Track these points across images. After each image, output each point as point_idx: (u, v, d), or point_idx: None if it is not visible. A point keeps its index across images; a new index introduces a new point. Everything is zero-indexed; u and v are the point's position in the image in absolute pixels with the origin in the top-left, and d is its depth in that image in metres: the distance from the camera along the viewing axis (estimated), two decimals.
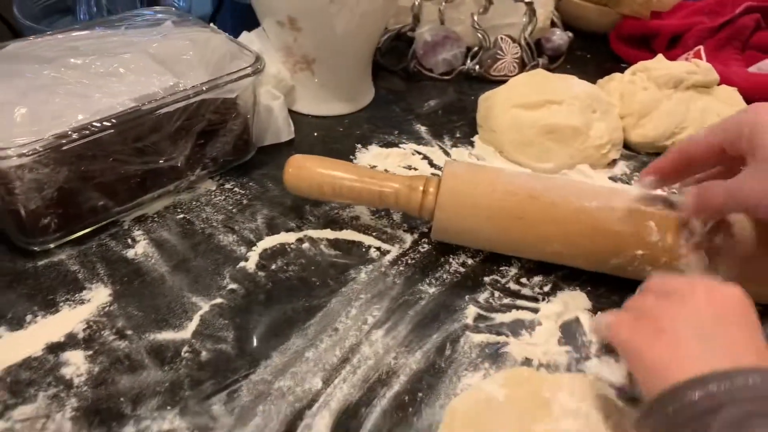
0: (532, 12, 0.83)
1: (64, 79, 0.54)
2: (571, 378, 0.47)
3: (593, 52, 0.92)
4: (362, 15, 0.67)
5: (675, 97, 0.72)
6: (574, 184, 0.56)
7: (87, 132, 0.50)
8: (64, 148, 0.50)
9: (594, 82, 0.76)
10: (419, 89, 0.83)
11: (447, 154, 0.70)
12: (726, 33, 0.86)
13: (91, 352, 0.47)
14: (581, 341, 0.51)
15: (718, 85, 0.75)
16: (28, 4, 0.76)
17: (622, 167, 0.71)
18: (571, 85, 0.72)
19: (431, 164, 0.68)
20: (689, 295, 0.40)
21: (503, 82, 0.75)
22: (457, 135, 0.74)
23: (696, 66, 0.74)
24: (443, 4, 0.83)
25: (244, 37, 0.72)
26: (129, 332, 0.49)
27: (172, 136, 0.57)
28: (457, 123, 0.76)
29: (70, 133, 0.50)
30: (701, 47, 0.84)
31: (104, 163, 0.54)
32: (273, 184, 0.64)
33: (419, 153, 0.70)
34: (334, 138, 0.72)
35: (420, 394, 0.46)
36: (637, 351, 0.39)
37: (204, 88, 0.57)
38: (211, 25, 0.68)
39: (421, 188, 0.55)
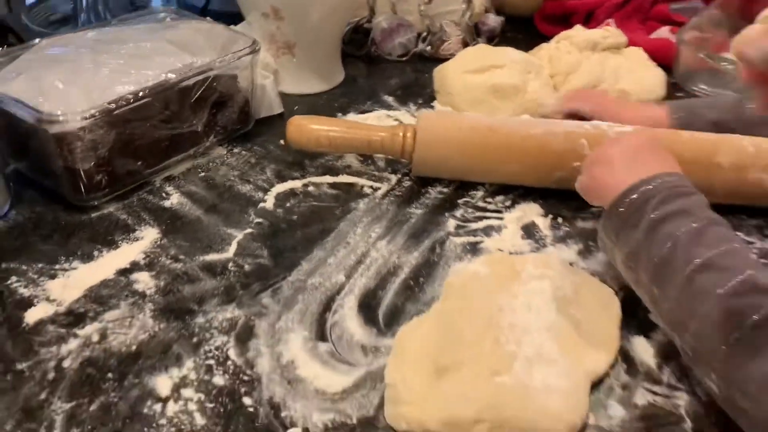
0: (468, 0, 0.99)
1: (103, 61, 0.65)
2: (534, 256, 0.61)
3: (522, 32, 1.08)
4: (334, 3, 0.81)
5: (593, 57, 0.89)
6: (521, 119, 0.71)
7: (131, 99, 0.62)
8: (115, 112, 0.61)
9: None
10: (381, 70, 0.96)
11: (413, 116, 0.84)
12: (630, 7, 1.03)
13: (154, 273, 0.58)
14: (538, 236, 0.65)
15: (627, 47, 0.92)
16: (35, 16, 0.86)
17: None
18: (509, 53, 0.87)
19: (402, 124, 0.82)
20: (617, 142, 0.58)
21: (441, 59, 0.90)
22: (419, 101, 0.87)
23: (608, 32, 0.90)
24: None
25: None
26: (182, 257, 0.60)
27: (192, 106, 0.69)
28: (418, 93, 0.90)
29: (118, 100, 0.61)
30: (611, 20, 1.01)
31: (143, 127, 0.65)
32: (273, 147, 0.77)
33: (390, 116, 0.84)
34: (316, 110, 0.84)
35: (421, 279, 0.59)
36: (594, 185, 0.58)
37: (216, 64, 0.69)
38: (207, 18, 0.80)
39: (401, 134, 0.69)
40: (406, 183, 0.72)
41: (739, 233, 0.66)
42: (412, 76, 0.95)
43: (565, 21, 1.06)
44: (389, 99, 0.88)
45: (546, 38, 1.03)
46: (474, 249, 0.63)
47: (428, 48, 0.98)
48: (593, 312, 0.55)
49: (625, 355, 0.52)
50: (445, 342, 0.51)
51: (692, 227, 0.49)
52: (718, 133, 0.68)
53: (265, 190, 0.69)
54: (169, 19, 0.78)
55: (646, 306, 0.52)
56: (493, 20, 1.03)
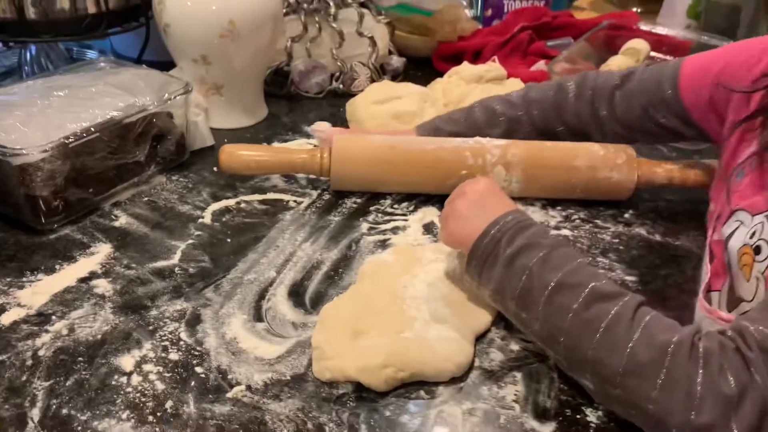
0: (373, 44, 1.14)
1: (54, 103, 0.76)
2: (433, 245, 0.74)
3: (422, 70, 1.23)
4: (254, 51, 0.94)
5: (479, 88, 1.05)
6: (417, 138, 0.85)
7: (83, 134, 0.72)
8: (70, 146, 0.71)
9: None
10: (300, 106, 1.09)
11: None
12: (510, 46, 1.21)
13: (110, 279, 0.68)
14: (435, 231, 0.79)
15: (507, 78, 1.08)
16: None
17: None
18: (408, 87, 1.02)
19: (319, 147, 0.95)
20: (462, 193, 0.67)
21: (352, 94, 1.04)
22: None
23: (490, 66, 1.07)
24: (308, 43, 1.11)
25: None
26: (134, 265, 0.70)
27: (135, 140, 0.80)
28: (334, 124, 1.03)
29: (72, 135, 0.71)
30: (496, 57, 1.18)
31: (93, 159, 0.75)
32: (207, 173, 0.88)
33: (310, 144, 0.97)
34: (243, 142, 0.96)
35: (340, 270, 0.71)
36: (453, 238, 0.66)
37: (155, 103, 0.80)
38: (143, 65, 0.91)
39: (319, 154, 0.81)
40: (326, 196, 0.84)
41: (597, 220, 0.82)
42: (328, 110, 1.08)
43: (457, 59, 1.22)
44: (308, 130, 1.01)
45: (442, 75, 1.19)
46: (384, 245, 0.76)
47: (341, 86, 1.12)
48: None
49: (503, 316, 0.65)
50: (359, 312, 0.63)
51: (540, 256, 0.57)
52: (575, 141, 0.84)
53: (203, 209, 0.80)
54: (109, 67, 0.89)
55: (519, 329, 0.61)
56: (397, 61, 1.19)
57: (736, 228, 0.62)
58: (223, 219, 0.79)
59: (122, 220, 0.78)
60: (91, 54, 0.95)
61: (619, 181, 0.82)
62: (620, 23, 1.29)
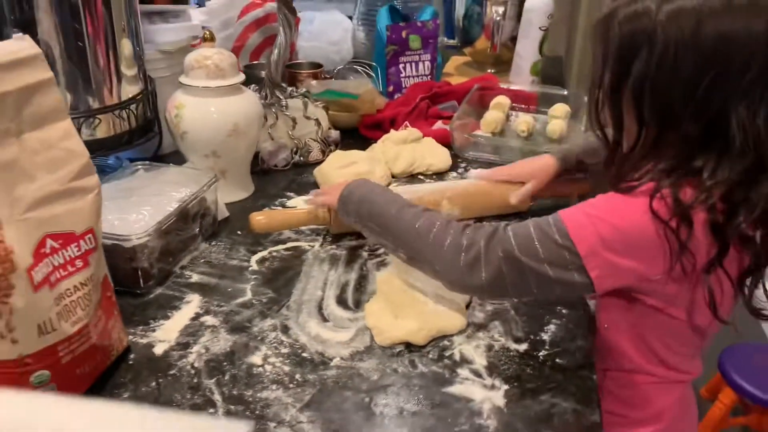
0: (318, 123, 1.50)
1: (136, 201, 1.04)
2: None
3: (352, 139, 1.61)
4: (250, 142, 1.27)
5: (406, 147, 1.44)
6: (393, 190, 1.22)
7: (169, 219, 1.02)
8: (162, 228, 1.01)
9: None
10: (273, 178, 1.42)
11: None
12: (415, 113, 1.62)
13: (212, 315, 0.98)
14: None
15: (423, 137, 1.49)
16: None
17: (392, 186, 1.39)
18: (358, 153, 1.39)
19: None
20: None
21: (318, 163, 1.39)
22: (309, 192, 1.35)
23: (410, 131, 1.47)
24: (270, 129, 1.45)
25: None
26: (223, 304, 1.00)
27: (192, 218, 1.10)
28: (304, 187, 1.37)
29: (163, 221, 1.01)
30: (407, 122, 1.58)
31: (172, 236, 1.05)
32: (235, 236, 1.19)
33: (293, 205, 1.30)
34: (245, 211, 1.27)
35: (362, 283, 1.06)
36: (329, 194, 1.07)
37: (202, 190, 1.11)
38: (170, 164, 1.21)
39: (324, 210, 1.14)
40: (329, 239, 1.18)
41: None
42: (295, 178, 1.42)
43: (378, 127, 1.61)
44: (288, 193, 1.34)
45: (369, 141, 1.57)
46: (384, 263, 1.11)
47: (301, 158, 1.47)
48: None
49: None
50: (390, 303, 0.98)
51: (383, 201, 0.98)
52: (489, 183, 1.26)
53: (248, 260, 1.11)
54: (144, 170, 1.18)
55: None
56: (334, 134, 1.55)
57: None
58: (266, 264, 1.11)
59: (195, 277, 1.07)
60: (110, 160, 1.22)
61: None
62: (486, 85, 1.75)
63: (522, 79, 1.87)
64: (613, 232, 0.79)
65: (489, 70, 2.07)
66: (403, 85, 1.74)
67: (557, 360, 0.91)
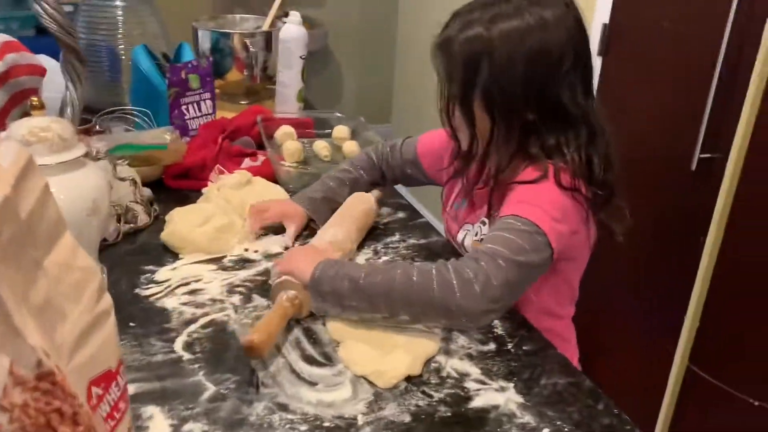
0: (134, 184, 1.32)
1: None
2: None
3: (164, 193, 1.45)
4: (102, 219, 1.08)
5: (245, 189, 1.37)
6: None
7: None
8: None
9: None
10: (111, 255, 1.21)
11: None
12: (221, 155, 1.54)
13: (192, 421, 0.84)
14: None
15: (254, 176, 1.43)
16: None
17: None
18: (202, 206, 1.28)
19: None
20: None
21: (142, 229, 1.25)
22: (169, 258, 1.20)
23: (242, 174, 1.40)
24: None
25: None
26: (193, 408, 0.86)
27: None
28: (157, 260, 1.21)
29: None
30: (218, 165, 1.50)
31: None
32: (128, 328, 1.01)
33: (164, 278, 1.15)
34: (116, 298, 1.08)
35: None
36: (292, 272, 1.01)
37: None
38: None
39: (294, 301, 1.01)
40: (237, 305, 1.09)
41: (379, 245, 1.29)
42: (129, 248, 1.24)
43: (186, 176, 1.49)
44: (145, 267, 1.17)
45: (182, 192, 1.44)
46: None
47: (131, 225, 1.28)
48: None
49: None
50: (371, 348, 0.96)
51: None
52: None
53: (171, 349, 0.96)
54: None
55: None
56: (147, 192, 1.39)
57: (465, 234, 1.22)
58: (195, 349, 0.97)
59: (132, 388, 0.88)
60: None
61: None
62: (267, 116, 1.75)
63: (289, 107, 1.91)
64: (553, 207, 1.02)
65: (241, 102, 2.05)
66: (190, 128, 1.63)
67: (524, 347, 1.02)
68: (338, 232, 1.20)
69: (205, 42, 1.94)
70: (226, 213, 1.28)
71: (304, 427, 0.84)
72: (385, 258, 1.25)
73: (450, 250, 1.29)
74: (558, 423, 0.87)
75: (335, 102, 3.27)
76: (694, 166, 1.78)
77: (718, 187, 1.61)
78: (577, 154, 1.06)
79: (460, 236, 1.25)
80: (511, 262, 0.94)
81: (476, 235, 1.21)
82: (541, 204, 1.02)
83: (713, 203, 1.63)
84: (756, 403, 1.76)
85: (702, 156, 1.78)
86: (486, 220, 1.18)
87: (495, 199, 1.13)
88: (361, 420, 0.86)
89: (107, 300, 0.62)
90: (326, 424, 0.85)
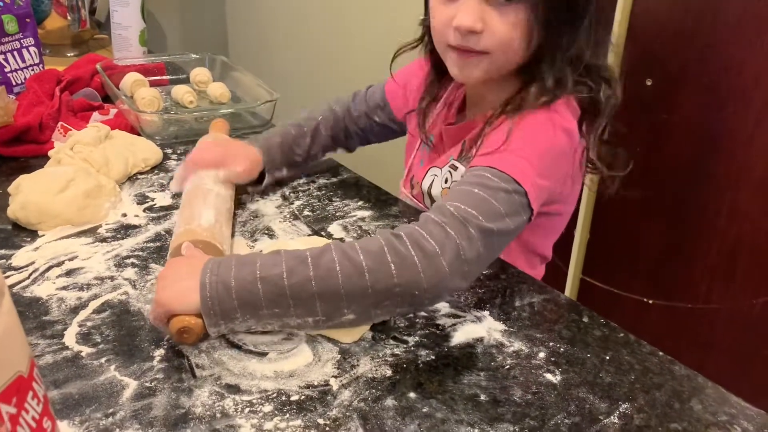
0: None
1: None
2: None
3: None
4: None
5: (107, 144, 1.12)
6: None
7: None
8: None
9: None
10: None
11: None
12: (62, 111, 1.24)
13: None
14: None
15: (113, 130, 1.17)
16: None
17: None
18: (62, 170, 1.01)
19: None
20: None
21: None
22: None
23: (98, 126, 1.14)
24: None
25: None
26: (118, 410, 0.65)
27: None
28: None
29: None
30: (61, 122, 1.21)
31: None
32: None
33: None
34: None
35: None
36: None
37: None
38: None
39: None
40: (125, 274, 0.86)
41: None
42: None
43: (19, 140, 1.19)
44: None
45: (17, 159, 1.16)
46: None
47: None
48: None
49: None
50: None
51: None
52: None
53: (61, 345, 0.73)
54: None
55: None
56: None
57: (432, 180, 1.04)
58: (94, 339, 0.75)
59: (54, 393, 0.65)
60: None
61: None
62: (107, 64, 1.47)
63: (132, 52, 1.63)
64: (540, 159, 0.84)
65: (68, 54, 1.72)
66: (14, 82, 1.31)
67: (484, 272, 0.91)
68: (206, 212, 0.90)
69: None
70: (89, 174, 1.02)
71: (268, 407, 0.66)
72: (298, 202, 1.07)
73: (367, 185, 1.14)
74: (551, 344, 0.77)
75: (190, 44, 2.56)
76: None
77: None
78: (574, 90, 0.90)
79: (425, 183, 1.04)
80: (484, 231, 0.75)
81: (446, 182, 1.01)
82: (528, 155, 0.83)
83: None
84: (650, 302, 1.83)
85: None
86: (457, 164, 0.99)
87: (468, 136, 0.97)
88: (335, 384, 0.70)
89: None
90: (294, 397, 0.68)
